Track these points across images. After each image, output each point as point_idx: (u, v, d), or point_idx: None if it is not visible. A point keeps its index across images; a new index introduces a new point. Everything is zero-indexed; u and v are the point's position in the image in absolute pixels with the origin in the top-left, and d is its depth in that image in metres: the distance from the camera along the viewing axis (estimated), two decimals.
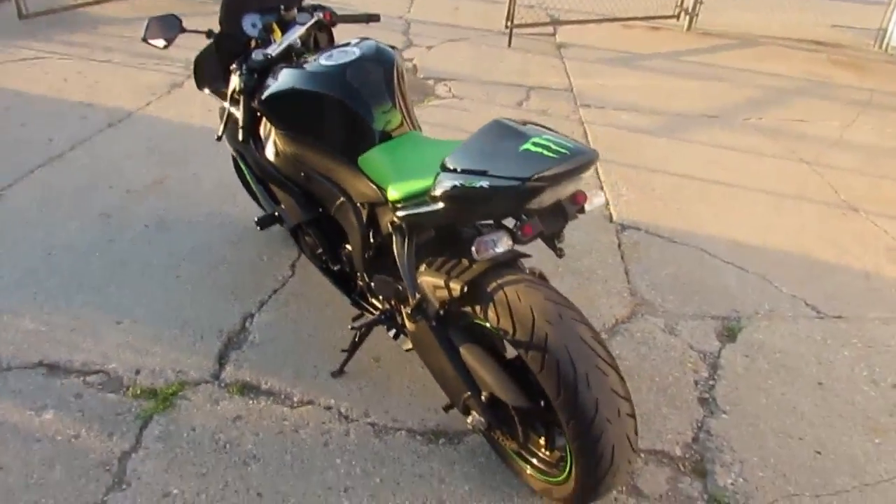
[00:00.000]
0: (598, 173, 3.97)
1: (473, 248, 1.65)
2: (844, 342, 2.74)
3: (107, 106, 4.34)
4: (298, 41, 2.29)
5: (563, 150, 1.54)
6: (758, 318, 2.84)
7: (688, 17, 7.02)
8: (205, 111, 4.31)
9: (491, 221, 1.87)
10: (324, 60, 2.10)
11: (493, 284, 1.72)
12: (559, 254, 1.95)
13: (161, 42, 2.37)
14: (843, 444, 2.26)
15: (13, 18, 5.79)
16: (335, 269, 2.32)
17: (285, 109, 2.14)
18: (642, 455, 2.16)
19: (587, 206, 1.73)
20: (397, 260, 1.87)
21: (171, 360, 2.38)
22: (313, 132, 2.11)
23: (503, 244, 1.66)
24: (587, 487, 1.71)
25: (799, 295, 3.01)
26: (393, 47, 2.26)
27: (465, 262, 1.81)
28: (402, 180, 1.85)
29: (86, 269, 2.82)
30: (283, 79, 2.10)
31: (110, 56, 5.20)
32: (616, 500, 2.01)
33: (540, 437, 1.90)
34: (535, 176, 1.50)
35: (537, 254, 2.13)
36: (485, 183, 1.56)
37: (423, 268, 1.89)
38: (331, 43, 2.67)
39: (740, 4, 8.04)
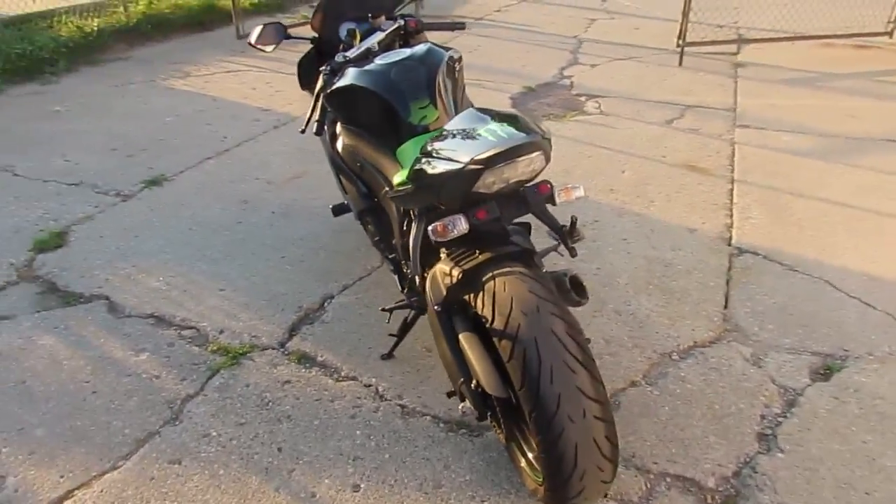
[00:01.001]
0: (731, 194, 3.70)
1: (430, 230, 1.70)
2: None
3: (278, 111, 4.91)
4: (376, 45, 2.47)
5: (504, 135, 1.55)
6: (868, 360, 2.49)
7: None
8: None
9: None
10: (379, 60, 2.27)
11: (488, 274, 1.74)
12: (572, 253, 1.92)
13: (269, 47, 2.69)
14: None
15: (233, 38, 6.77)
16: (391, 256, 2.46)
17: (344, 104, 2.34)
18: (663, 477, 2.02)
19: (561, 199, 1.72)
20: (410, 245, 1.96)
21: (251, 325, 2.68)
22: (363, 124, 2.28)
23: (460, 227, 1.70)
24: (555, 487, 1.67)
25: None
26: (446, 48, 2.37)
27: (477, 252, 1.85)
28: (406, 167, 1.95)
29: (212, 243, 3.24)
30: (345, 76, 2.29)
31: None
32: None
33: None
34: (472, 159, 1.53)
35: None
36: (439, 167, 1.61)
37: (444, 256, 1.96)
38: None
39: None
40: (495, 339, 1.67)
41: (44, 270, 3.00)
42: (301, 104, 5.03)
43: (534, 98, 5.27)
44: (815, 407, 2.28)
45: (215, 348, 2.55)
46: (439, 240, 1.71)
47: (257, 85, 5.50)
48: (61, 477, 2.03)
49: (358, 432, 2.19)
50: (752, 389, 2.37)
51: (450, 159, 1.62)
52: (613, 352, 2.56)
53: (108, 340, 2.59)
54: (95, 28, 6.31)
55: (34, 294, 2.85)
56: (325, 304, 2.81)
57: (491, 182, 1.63)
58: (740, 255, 3.18)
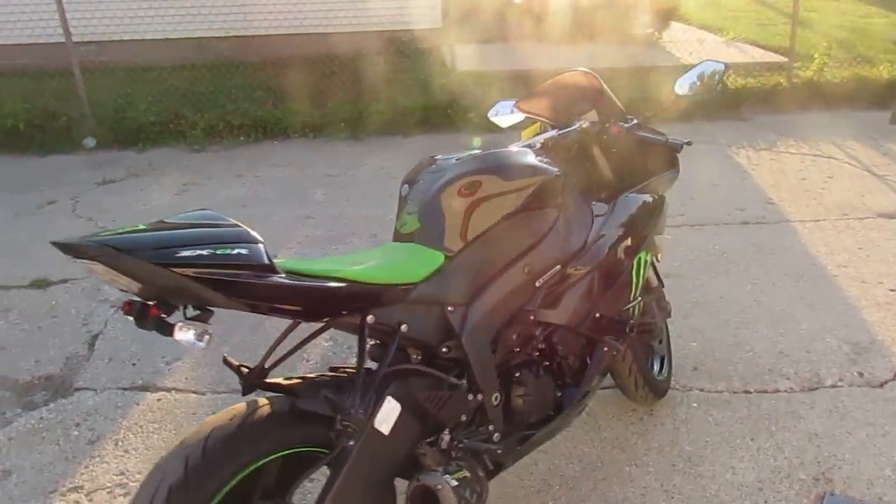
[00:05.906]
0: None
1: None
2: None
3: (754, 206, 4.54)
4: (537, 144, 2.21)
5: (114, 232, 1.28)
6: None
7: None
8: None
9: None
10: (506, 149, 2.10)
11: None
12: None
13: (505, 123, 2.61)
14: None
15: (884, 120, 6.13)
16: None
17: None
18: None
19: (179, 335, 1.35)
20: None
21: None
22: None
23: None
24: None
25: None
26: (545, 167, 2.01)
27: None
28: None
29: None
30: None
31: None
32: None
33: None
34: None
35: None
36: None
37: None
38: (669, 167, 2.43)
39: None
40: None
41: None
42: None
43: None
44: None
45: None
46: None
47: (810, 174, 5.10)
48: None
49: None
50: None
51: None
52: None
53: None
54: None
55: None
56: None
57: (100, 275, 1.29)
58: None
